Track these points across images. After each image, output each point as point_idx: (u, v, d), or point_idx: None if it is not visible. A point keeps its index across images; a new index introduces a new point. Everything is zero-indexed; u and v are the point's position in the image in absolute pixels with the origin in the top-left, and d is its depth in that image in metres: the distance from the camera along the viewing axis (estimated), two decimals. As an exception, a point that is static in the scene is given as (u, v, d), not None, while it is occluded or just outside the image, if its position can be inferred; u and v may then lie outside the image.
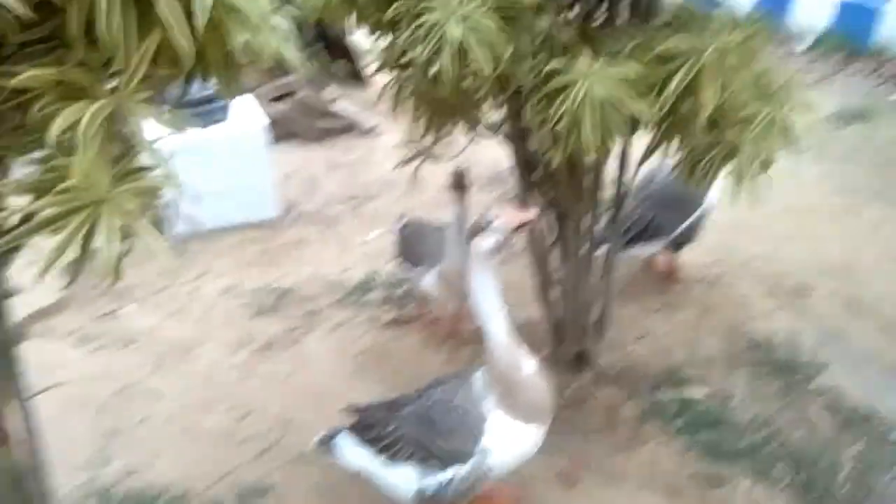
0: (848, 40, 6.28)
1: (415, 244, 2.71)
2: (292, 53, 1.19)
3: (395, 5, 1.66)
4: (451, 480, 1.75)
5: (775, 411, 2.34)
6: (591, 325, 2.45)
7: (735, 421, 2.30)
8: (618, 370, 2.53)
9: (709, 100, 1.69)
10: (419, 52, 1.61)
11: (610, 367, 2.54)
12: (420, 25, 1.61)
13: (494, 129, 2.21)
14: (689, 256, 3.49)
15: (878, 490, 2.06)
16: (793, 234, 3.81)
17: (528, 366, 1.76)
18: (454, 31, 1.59)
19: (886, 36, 6.19)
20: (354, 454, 1.92)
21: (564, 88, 1.65)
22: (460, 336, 2.70)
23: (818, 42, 6.41)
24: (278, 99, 4.28)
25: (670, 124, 1.83)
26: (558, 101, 1.65)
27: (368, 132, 4.45)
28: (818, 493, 2.04)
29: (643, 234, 2.82)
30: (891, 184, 4.32)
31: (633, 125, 1.79)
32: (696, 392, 2.43)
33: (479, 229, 1.72)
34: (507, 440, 1.75)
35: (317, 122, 4.35)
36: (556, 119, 1.67)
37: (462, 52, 1.61)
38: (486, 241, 1.71)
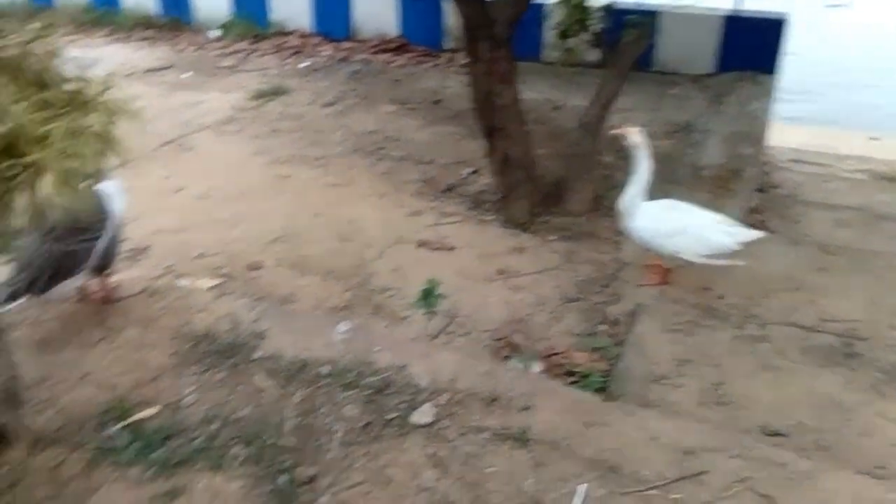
0: (250, 24, 6.80)
1: None
2: None
3: None
4: None
5: (224, 398, 2.40)
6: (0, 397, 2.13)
7: (188, 424, 2.29)
8: (56, 427, 2.27)
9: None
10: None
11: (46, 427, 2.27)
12: None
13: None
14: (136, 270, 3.37)
15: (318, 426, 2.29)
16: (239, 216, 4.00)
17: None
18: None
19: (282, 16, 6.89)
20: None
21: None
22: None
23: (227, 29, 6.78)
24: None
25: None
26: None
27: None
28: (269, 456, 2.17)
29: (57, 273, 2.57)
30: (310, 147, 4.87)
31: None
32: (146, 413, 2.34)
33: None
34: None
35: None
36: None
37: None
38: None
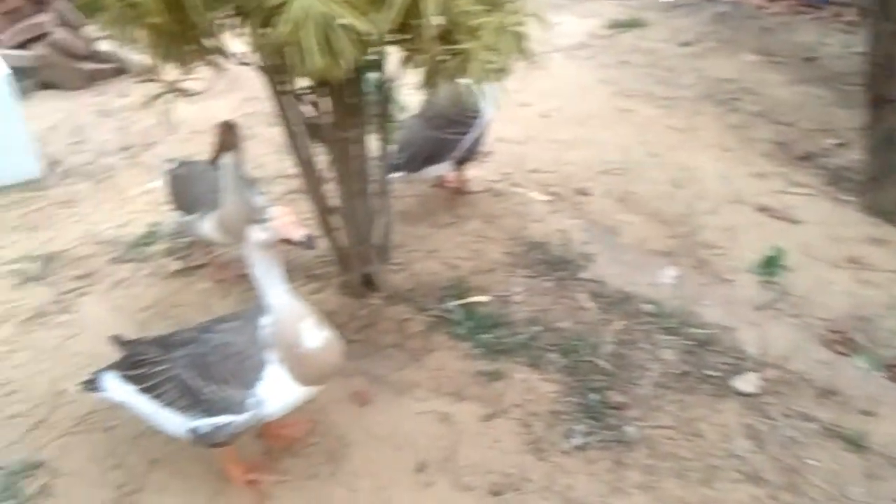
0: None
1: (187, 189, 2.58)
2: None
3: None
4: (223, 424, 1.73)
5: (548, 305, 2.52)
6: (375, 249, 2.48)
7: (513, 319, 2.46)
8: (407, 288, 2.60)
9: (432, 11, 1.70)
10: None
11: (400, 285, 2.60)
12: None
13: (244, 58, 2.10)
14: (481, 171, 3.62)
15: (634, 359, 2.30)
16: (575, 141, 4.06)
17: (315, 338, 1.72)
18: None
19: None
20: (119, 392, 1.85)
21: (282, 6, 1.59)
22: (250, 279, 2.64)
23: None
24: (25, 44, 3.80)
25: (402, 39, 1.84)
26: (277, 21, 1.59)
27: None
28: (583, 371, 2.25)
29: (430, 157, 2.88)
30: (658, 85, 4.70)
31: (364, 44, 1.76)
32: (480, 298, 2.55)
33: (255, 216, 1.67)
34: (283, 394, 1.75)
35: (79, 66, 3.93)
36: (279, 40, 1.61)
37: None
38: (257, 235, 1.66)
